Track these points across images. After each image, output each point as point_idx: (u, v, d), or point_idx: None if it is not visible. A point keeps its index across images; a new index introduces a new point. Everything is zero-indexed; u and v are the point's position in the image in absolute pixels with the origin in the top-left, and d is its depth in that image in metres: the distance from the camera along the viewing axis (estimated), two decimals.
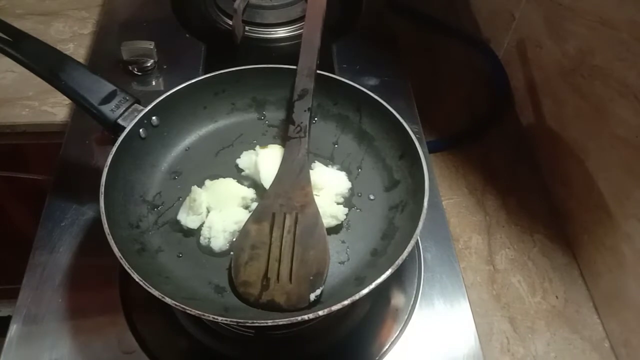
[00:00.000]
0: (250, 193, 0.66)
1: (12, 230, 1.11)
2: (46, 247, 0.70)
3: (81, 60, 0.96)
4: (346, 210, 0.65)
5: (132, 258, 0.55)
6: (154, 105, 0.66)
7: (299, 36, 0.99)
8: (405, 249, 0.53)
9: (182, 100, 0.69)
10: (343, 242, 0.63)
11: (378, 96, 0.69)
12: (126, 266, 0.52)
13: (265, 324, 0.49)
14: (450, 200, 0.86)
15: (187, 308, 0.50)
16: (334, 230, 0.64)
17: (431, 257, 0.72)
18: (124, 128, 0.63)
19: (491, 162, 0.91)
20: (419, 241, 0.73)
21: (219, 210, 0.64)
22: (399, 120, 0.66)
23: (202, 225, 0.63)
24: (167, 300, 0.50)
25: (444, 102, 1.00)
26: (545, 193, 0.88)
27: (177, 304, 0.50)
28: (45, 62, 0.64)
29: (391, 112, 0.66)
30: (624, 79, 0.69)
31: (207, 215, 0.63)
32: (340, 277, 0.60)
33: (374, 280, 0.51)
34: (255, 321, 0.50)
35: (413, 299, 0.68)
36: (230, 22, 0.97)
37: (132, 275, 0.51)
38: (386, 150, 0.68)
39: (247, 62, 0.73)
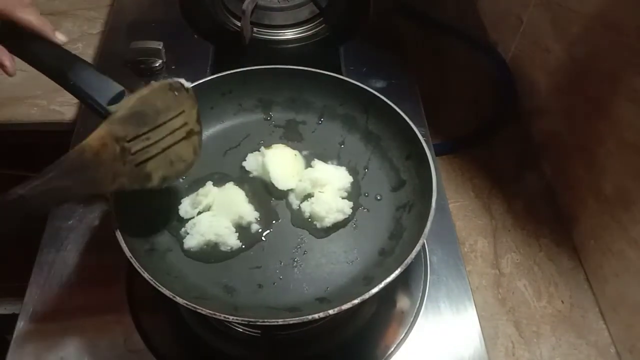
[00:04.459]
0: (251, 217, 0.65)
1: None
2: (53, 246, 0.70)
3: (89, 60, 0.96)
4: (351, 204, 0.65)
5: (142, 257, 0.55)
6: None
7: (307, 38, 1.00)
8: (413, 249, 0.54)
9: None
10: (351, 241, 0.63)
11: (385, 98, 0.69)
12: (136, 265, 0.52)
13: (275, 323, 0.50)
14: (457, 203, 0.86)
15: (199, 307, 0.50)
16: (342, 224, 0.65)
17: (437, 260, 0.72)
18: None
19: (497, 166, 0.91)
20: (426, 244, 0.73)
21: (213, 215, 0.64)
22: (405, 121, 0.66)
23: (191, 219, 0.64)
24: (178, 299, 0.50)
25: (451, 105, 1.00)
26: (551, 197, 0.88)
27: (189, 303, 0.50)
28: (54, 62, 0.64)
29: (398, 113, 0.67)
30: (632, 84, 0.69)
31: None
32: (349, 277, 0.60)
33: (382, 280, 0.52)
34: (266, 320, 0.50)
35: (419, 301, 0.68)
36: (239, 24, 0.97)
37: (143, 274, 0.52)
38: (393, 151, 0.69)
39: (255, 63, 0.74)
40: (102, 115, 0.63)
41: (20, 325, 0.64)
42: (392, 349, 0.65)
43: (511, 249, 0.81)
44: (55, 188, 0.47)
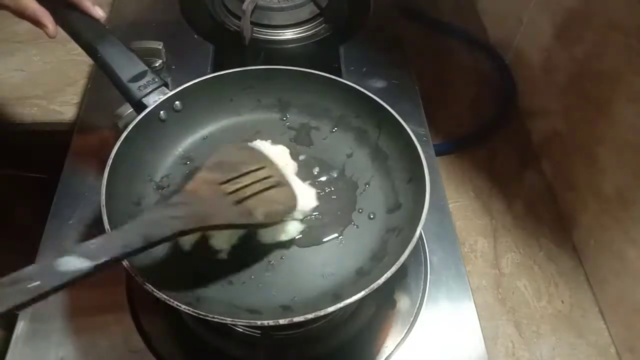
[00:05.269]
0: None
1: (18, 229, 1.11)
2: (53, 245, 0.70)
3: (89, 59, 0.96)
4: (301, 227, 0.63)
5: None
6: (179, 90, 0.68)
7: (307, 38, 1.00)
8: (383, 275, 0.51)
9: (208, 89, 0.70)
10: (333, 255, 0.62)
11: (386, 100, 0.68)
12: (107, 226, 0.53)
13: (224, 321, 0.50)
14: (457, 203, 0.86)
15: (155, 290, 0.50)
16: (283, 245, 0.62)
17: (437, 260, 0.72)
18: (147, 107, 0.65)
19: (497, 166, 0.91)
20: (426, 244, 0.73)
21: None
22: (412, 140, 0.64)
23: None
24: (138, 279, 0.50)
25: (451, 105, 1.00)
26: (551, 197, 0.88)
27: (148, 284, 0.50)
28: (87, 33, 0.67)
29: (409, 134, 0.65)
30: (632, 84, 0.69)
31: None
32: (320, 290, 0.58)
33: (346, 299, 0.50)
34: (215, 316, 0.49)
35: (419, 301, 0.68)
36: (239, 24, 0.97)
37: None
38: (397, 172, 0.67)
39: (255, 63, 0.74)
40: (121, 91, 0.66)
41: (20, 325, 0.64)
42: (392, 349, 0.65)
43: (511, 249, 0.81)
44: (167, 217, 0.51)
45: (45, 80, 0.93)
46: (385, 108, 0.68)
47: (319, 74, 0.72)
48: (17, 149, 0.97)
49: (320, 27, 1.02)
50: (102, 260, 0.44)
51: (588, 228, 0.79)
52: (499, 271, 0.79)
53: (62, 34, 1.01)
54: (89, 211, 0.73)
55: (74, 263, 0.43)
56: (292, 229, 0.62)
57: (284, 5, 0.99)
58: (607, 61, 0.74)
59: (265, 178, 0.60)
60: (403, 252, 0.53)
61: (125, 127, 0.65)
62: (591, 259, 0.79)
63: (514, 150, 0.94)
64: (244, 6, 0.93)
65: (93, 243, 0.45)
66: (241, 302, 0.57)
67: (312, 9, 1.01)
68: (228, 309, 0.55)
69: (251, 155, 0.62)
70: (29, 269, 0.42)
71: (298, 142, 0.73)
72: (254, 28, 0.97)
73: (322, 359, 0.65)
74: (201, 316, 0.49)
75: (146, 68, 0.67)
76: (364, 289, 0.51)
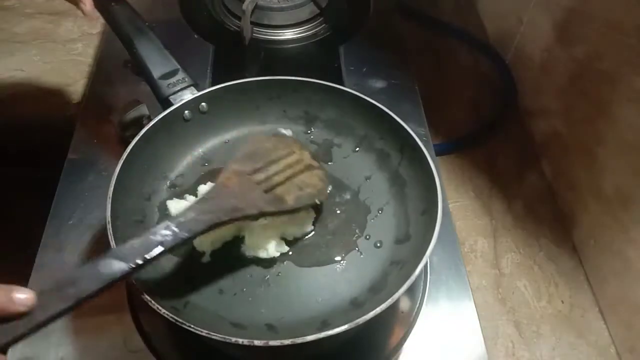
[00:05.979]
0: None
1: (18, 227, 1.11)
2: (53, 245, 0.70)
3: (89, 59, 0.97)
4: (285, 249, 0.62)
5: (125, 226, 0.56)
6: (206, 92, 0.68)
7: (307, 38, 1.00)
8: (373, 310, 0.50)
9: (235, 94, 0.70)
10: (330, 280, 0.60)
11: (386, 99, 0.68)
12: (108, 219, 0.53)
13: (200, 332, 0.49)
14: (457, 203, 0.86)
15: (141, 289, 0.50)
16: (260, 262, 0.61)
17: (437, 260, 0.72)
18: (172, 105, 0.66)
19: (497, 166, 0.91)
20: None
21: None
22: (434, 175, 0.62)
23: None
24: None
25: (451, 105, 1.00)
26: (551, 197, 0.88)
27: (135, 281, 0.50)
28: (127, 26, 0.70)
29: (430, 164, 0.63)
30: (632, 84, 0.69)
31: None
32: (309, 315, 0.57)
33: (330, 330, 0.49)
34: (192, 326, 0.48)
35: (419, 301, 0.68)
36: (239, 24, 0.97)
37: (108, 229, 0.52)
38: (412, 201, 0.65)
39: (255, 63, 0.73)
40: (151, 86, 0.68)
41: None
42: (392, 349, 0.65)
43: (511, 249, 0.81)
44: (202, 212, 0.53)
45: (45, 80, 0.93)
46: (410, 134, 0.66)
47: (348, 91, 0.71)
48: (17, 148, 0.97)
49: (320, 27, 1.02)
50: (136, 261, 0.47)
51: (588, 228, 0.79)
52: (499, 271, 0.79)
53: (62, 34, 1.02)
54: (89, 211, 0.73)
55: (111, 265, 0.46)
56: (273, 248, 0.61)
57: (284, 5, 0.99)
58: (607, 61, 0.74)
59: (295, 163, 0.63)
60: (399, 289, 0.51)
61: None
62: (591, 259, 0.79)
63: (514, 150, 0.94)
64: (244, 6, 0.93)
65: (128, 244, 0.48)
66: (227, 313, 0.56)
67: (312, 9, 1.01)
68: (212, 319, 0.55)
69: (280, 142, 0.66)
70: (70, 274, 0.45)
71: (318, 157, 0.71)
72: (254, 28, 0.97)
73: (322, 359, 0.65)
74: (178, 323, 0.49)
75: (178, 67, 0.68)
76: (350, 322, 0.49)
